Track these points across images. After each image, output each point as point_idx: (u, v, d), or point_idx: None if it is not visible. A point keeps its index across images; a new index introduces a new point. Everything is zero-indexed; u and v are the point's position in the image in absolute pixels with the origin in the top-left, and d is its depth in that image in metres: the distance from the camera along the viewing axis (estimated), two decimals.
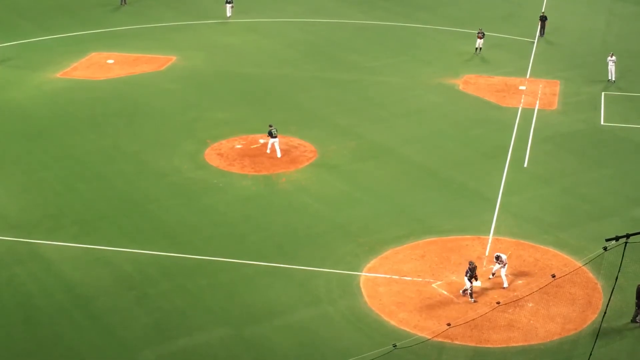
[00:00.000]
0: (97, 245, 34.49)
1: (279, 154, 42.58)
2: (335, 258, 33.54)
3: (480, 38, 59.52)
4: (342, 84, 54.13)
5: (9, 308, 30.40)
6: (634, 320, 29.26)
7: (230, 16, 69.30)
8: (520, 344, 28.36)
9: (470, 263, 30.44)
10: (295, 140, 44.84)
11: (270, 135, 42.65)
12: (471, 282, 30.33)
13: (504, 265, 31.23)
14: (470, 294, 30.42)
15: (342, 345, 28.38)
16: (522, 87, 53.08)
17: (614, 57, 53.68)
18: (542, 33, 64.07)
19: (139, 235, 35.45)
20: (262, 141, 44.29)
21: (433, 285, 31.63)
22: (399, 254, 33.85)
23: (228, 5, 69.48)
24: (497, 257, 31.39)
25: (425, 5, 73.82)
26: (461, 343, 28.34)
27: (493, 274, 31.68)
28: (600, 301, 30.44)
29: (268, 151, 43.02)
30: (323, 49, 61.52)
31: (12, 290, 31.45)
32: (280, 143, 43.26)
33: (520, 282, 31.59)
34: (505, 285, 31.19)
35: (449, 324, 27.87)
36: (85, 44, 62.09)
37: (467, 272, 30.32)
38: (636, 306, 29.28)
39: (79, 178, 40.76)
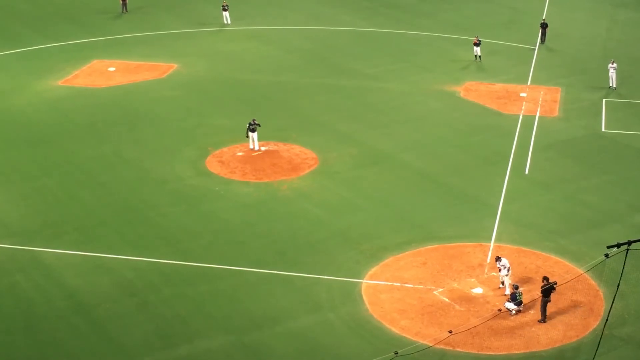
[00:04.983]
0: (98, 252, 34.48)
1: (257, 146, 44.15)
2: (337, 265, 33.51)
3: (477, 45, 59.42)
4: (343, 90, 54.15)
5: (10, 315, 30.42)
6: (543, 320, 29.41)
7: (228, 23, 69.40)
8: (522, 351, 28.32)
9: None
10: (297, 147, 44.85)
11: (252, 130, 44.05)
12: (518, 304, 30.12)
13: (508, 271, 31.19)
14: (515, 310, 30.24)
15: (344, 352, 28.36)
16: (523, 94, 53.06)
17: (614, 64, 53.62)
18: (542, 40, 64.07)
19: (140, 242, 35.45)
20: (263, 148, 44.39)
21: (435, 292, 31.58)
22: (401, 260, 33.81)
23: (225, 13, 69.63)
24: (498, 259, 31.44)
25: (426, 12, 73.86)
26: (463, 350, 28.29)
27: (502, 284, 31.55)
28: (602, 308, 30.37)
29: (251, 146, 44.21)
30: (324, 55, 61.56)
31: (13, 297, 31.46)
32: (281, 150, 43.35)
33: (522, 289, 31.49)
34: (508, 292, 31.12)
35: (450, 331, 27.86)
36: (87, 52, 62.20)
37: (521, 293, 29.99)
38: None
39: (80, 185, 40.78)
